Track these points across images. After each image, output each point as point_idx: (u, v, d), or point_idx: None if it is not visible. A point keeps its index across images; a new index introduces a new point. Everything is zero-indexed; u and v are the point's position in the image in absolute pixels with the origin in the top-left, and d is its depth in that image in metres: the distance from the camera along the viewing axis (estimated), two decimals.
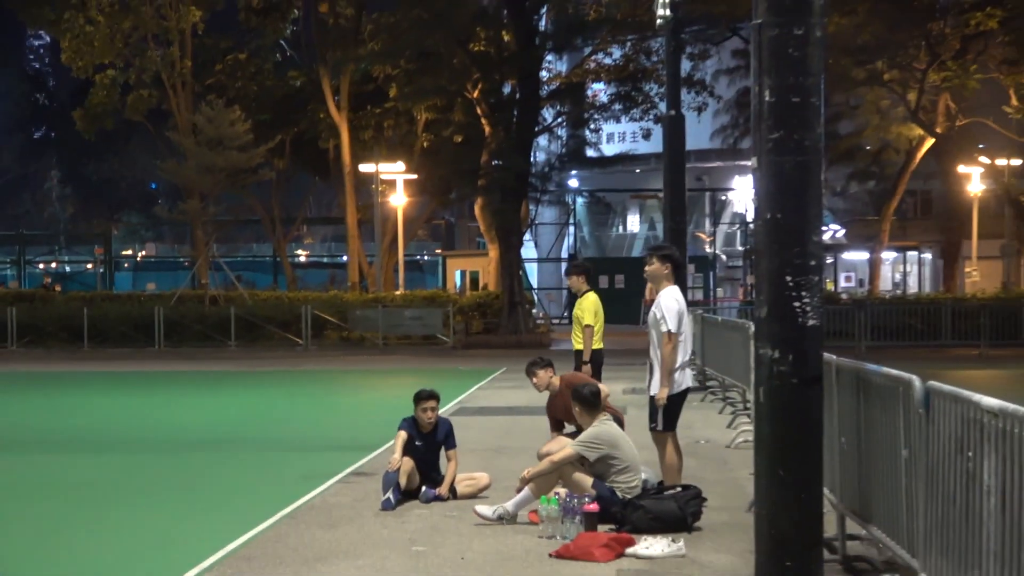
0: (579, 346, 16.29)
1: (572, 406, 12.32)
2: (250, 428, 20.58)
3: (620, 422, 13.14)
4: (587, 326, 16.12)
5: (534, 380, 14.30)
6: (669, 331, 11.83)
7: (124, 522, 11.99)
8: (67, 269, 78.60)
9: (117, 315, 44.03)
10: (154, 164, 58.61)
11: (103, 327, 42.95)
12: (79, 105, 58.55)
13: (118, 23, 52.43)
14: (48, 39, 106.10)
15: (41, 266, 78.52)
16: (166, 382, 30.34)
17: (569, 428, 14.00)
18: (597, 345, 16.32)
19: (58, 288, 57.79)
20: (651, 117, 48.30)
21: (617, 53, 49.40)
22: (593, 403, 11.88)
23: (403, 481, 12.55)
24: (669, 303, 11.96)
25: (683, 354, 12.06)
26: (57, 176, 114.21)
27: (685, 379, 12.20)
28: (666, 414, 11.97)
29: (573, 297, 18.35)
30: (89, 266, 75.93)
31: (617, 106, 48.79)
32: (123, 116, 57.08)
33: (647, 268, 12.49)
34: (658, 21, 25.18)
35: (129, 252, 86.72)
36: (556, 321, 54.08)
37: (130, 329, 43.04)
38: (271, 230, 62.61)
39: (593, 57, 49.92)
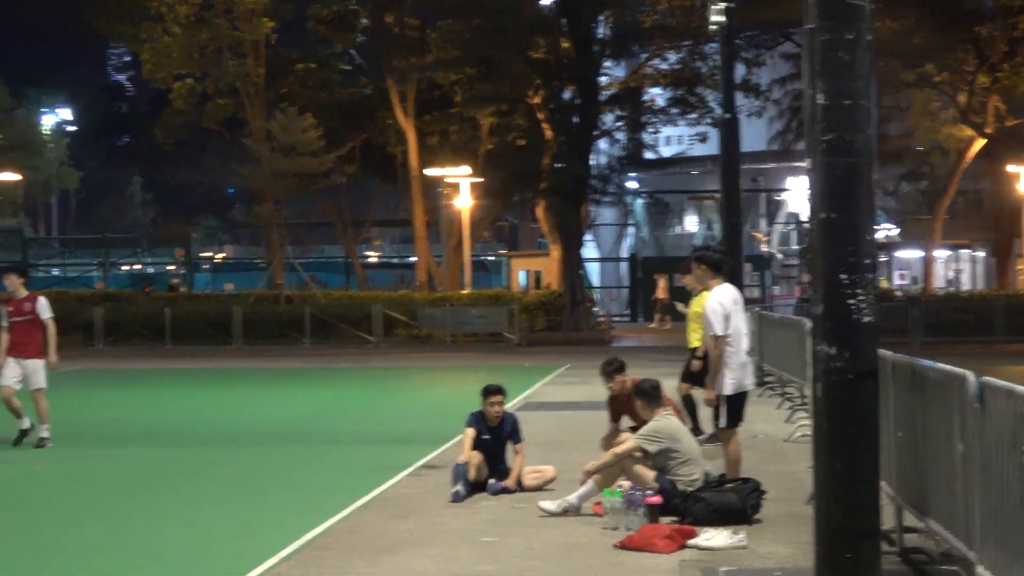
0: (696, 343, 16.07)
1: (633, 401, 12.27)
2: (324, 423, 20.65)
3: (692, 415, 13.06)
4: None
5: (610, 384, 14.21)
6: (715, 335, 11.74)
7: (202, 513, 12.05)
8: (150, 271, 79.10)
9: (197, 314, 44.43)
10: (230, 170, 58.95)
11: (184, 326, 43.27)
12: (158, 115, 59.17)
13: (195, 35, 52.80)
14: (123, 50, 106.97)
15: (125, 268, 79.12)
16: (243, 379, 30.51)
17: (630, 423, 13.94)
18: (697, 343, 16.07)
19: (148, 288, 58.31)
20: (707, 120, 48.04)
21: (673, 58, 49.07)
22: (654, 397, 11.83)
23: (472, 474, 12.54)
24: (712, 305, 11.87)
25: (738, 353, 11.92)
26: (139, 182, 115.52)
27: (745, 378, 12.05)
28: (729, 412, 11.87)
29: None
30: (172, 267, 76.46)
31: (673, 110, 48.64)
32: (200, 124, 57.51)
33: (691, 275, 12.53)
34: (712, 27, 25.09)
35: (208, 254, 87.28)
36: (616, 319, 54.01)
37: (209, 328, 43.38)
38: (342, 232, 62.85)
39: (649, 63, 49.64)
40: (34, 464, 15.72)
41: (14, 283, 17.39)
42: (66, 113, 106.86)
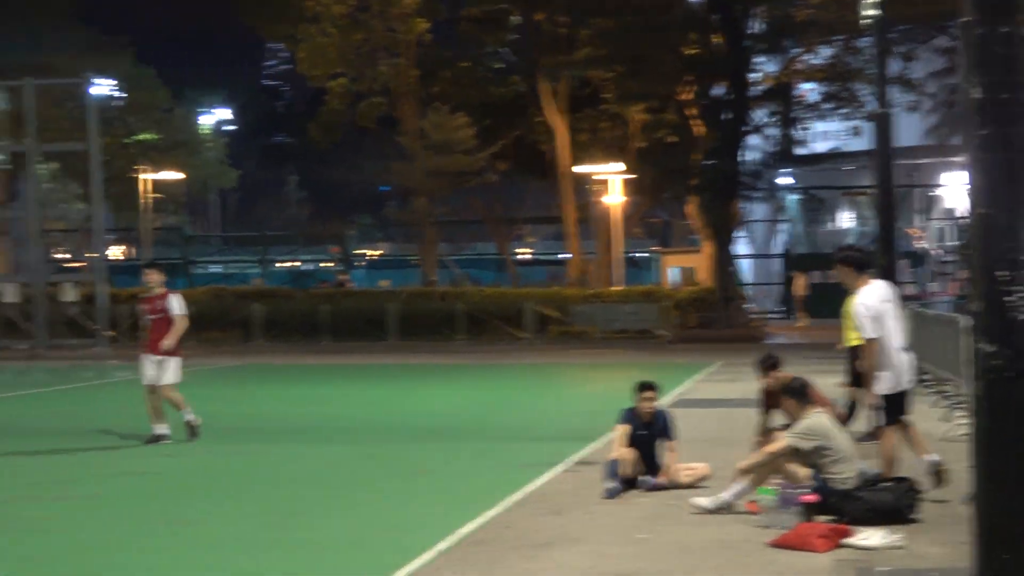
0: (855, 342, 15.90)
1: (783, 400, 12.17)
2: (477, 419, 20.77)
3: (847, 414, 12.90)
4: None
5: (764, 379, 14.14)
6: (868, 339, 11.60)
7: (359, 508, 12.23)
8: (308, 268, 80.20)
9: (353, 311, 44.92)
10: (384, 168, 59.59)
11: (340, 322, 43.80)
12: (314, 114, 59.97)
13: (350, 35, 53.36)
14: (281, 50, 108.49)
15: (288, 264, 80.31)
16: (397, 375, 30.81)
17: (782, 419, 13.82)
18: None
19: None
20: (861, 115, 47.28)
21: (825, 53, 48.40)
22: (804, 396, 11.72)
23: (624, 470, 12.53)
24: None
25: (890, 353, 11.73)
26: (295, 180, 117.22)
27: (901, 377, 11.86)
28: (887, 411, 11.73)
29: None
30: (328, 264, 77.41)
31: (825, 105, 48.08)
32: (354, 123, 58.09)
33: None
34: (865, 22, 24.75)
35: (363, 251, 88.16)
36: (769, 316, 53.48)
37: (364, 324, 43.85)
38: (494, 229, 63.15)
39: (801, 57, 49.00)
40: (194, 458, 16.08)
41: (153, 279, 17.68)
42: (224, 113, 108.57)
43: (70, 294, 41.46)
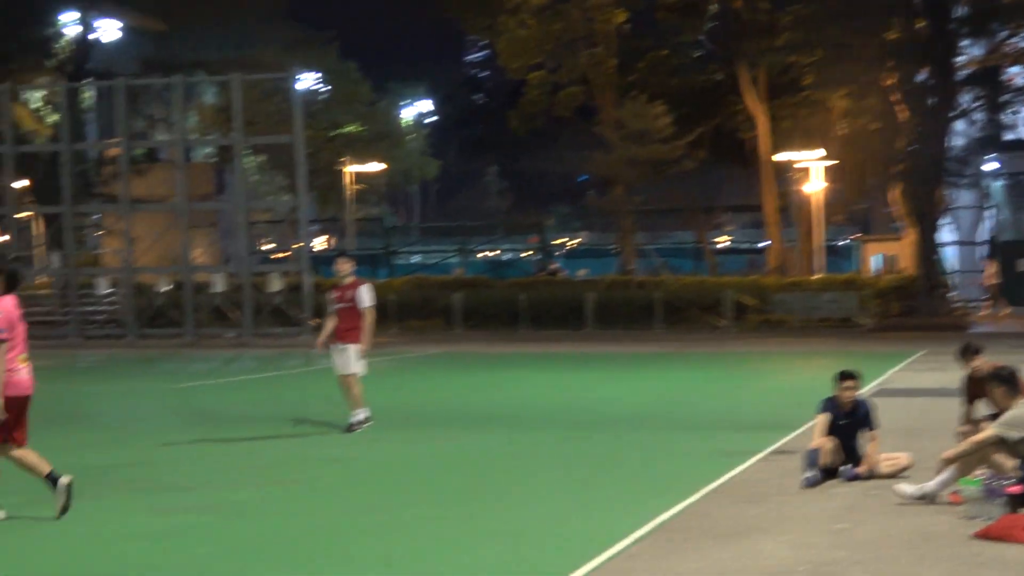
0: None
1: (990, 388, 11.86)
2: (675, 407, 20.66)
3: None
4: None
5: (967, 367, 13.84)
6: None
7: (556, 494, 12.16)
8: (507, 257, 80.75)
9: (551, 300, 45.13)
10: (582, 157, 59.72)
11: (538, 311, 44.07)
12: (513, 105, 60.41)
13: (549, 26, 53.64)
14: (479, 43, 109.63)
15: (487, 254, 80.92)
16: (595, 363, 30.80)
17: (984, 411, 13.47)
18: None
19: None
20: None
21: None
22: (1013, 384, 11.39)
23: (824, 460, 12.31)
24: None
25: None
26: (495, 171, 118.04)
27: None
28: None
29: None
30: (527, 254, 77.88)
31: None
32: (552, 114, 58.31)
33: None
34: None
35: (562, 240, 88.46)
36: (976, 303, 52.16)
37: (563, 312, 44.02)
38: (692, 218, 62.84)
39: (1009, 40, 47.59)
40: (395, 445, 16.25)
41: (344, 269, 17.77)
42: (425, 105, 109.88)
43: (276, 284, 42.37)
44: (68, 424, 18.23)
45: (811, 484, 12.06)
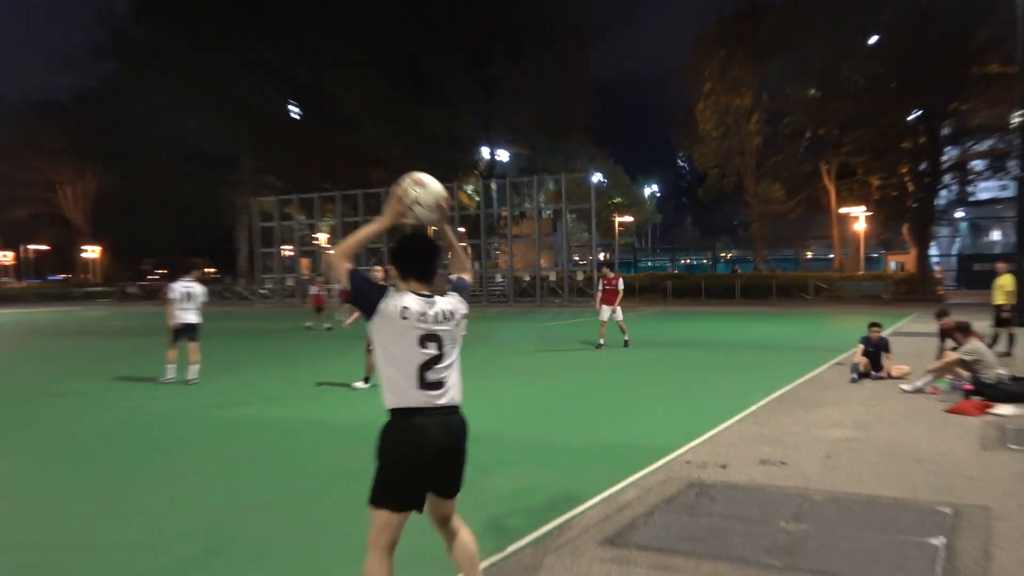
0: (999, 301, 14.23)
1: (954, 333, 11.03)
2: (780, 339, 19.57)
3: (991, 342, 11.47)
4: None
5: (941, 321, 12.92)
6: None
7: (716, 383, 11.88)
8: (695, 262, 79.12)
9: (717, 284, 43.53)
10: (736, 211, 58.56)
11: (710, 289, 42.55)
12: (701, 184, 59.52)
13: (720, 145, 52.77)
14: (686, 155, 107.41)
15: (683, 261, 79.41)
16: (740, 317, 29.47)
17: (950, 345, 12.45)
18: None
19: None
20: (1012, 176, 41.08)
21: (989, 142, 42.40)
22: (967, 331, 10.61)
23: (861, 368, 11.75)
24: None
25: None
26: (689, 219, 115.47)
27: None
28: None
29: None
30: (705, 261, 76.02)
31: (986, 172, 42.24)
32: (722, 189, 57.26)
33: None
34: (1013, 125, 21.46)
35: (724, 253, 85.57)
36: (947, 289, 47.49)
37: (723, 291, 42.31)
38: (794, 242, 59.65)
39: (972, 147, 42.92)
40: (638, 354, 15.92)
41: (606, 270, 17.42)
42: (655, 186, 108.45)
43: (579, 276, 43.36)
44: (479, 342, 18.93)
45: (854, 381, 11.50)
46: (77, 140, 67.64)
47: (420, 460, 3.67)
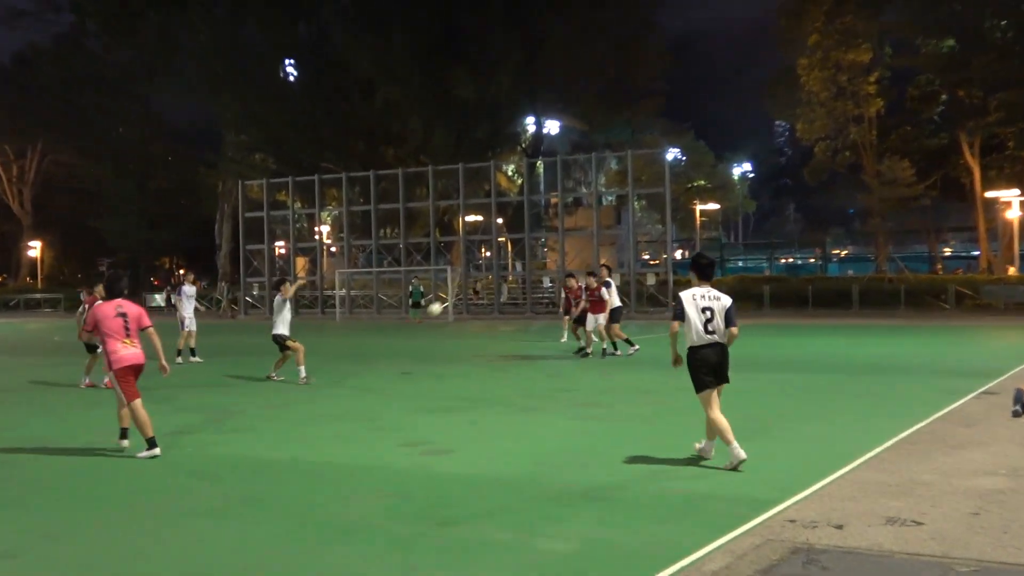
0: None
1: None
2: (912, 359, 19.20)
3: None
4: None
5: None
6: None
7: (826, 415, 11.68)
8: (798, 262, 78.70)
9: (827, 289, 43.74)
10: (851, 197, 58.10)
11: (819, 297, 42.66)
12: (806, 164, 59.16)
13: (830, 112, 52.30)
14: (786, 125, 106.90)
15: (782, 260, 79.10)
16: (858, 331, 29.19)
17: None
18: None
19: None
20: None
21: None
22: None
23: None
24: None
25: None
26: (792, 206, 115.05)
27: None
28: None
29: None
30: (811, 260, 75.67)
31: None
32: (832, 168, 56.82)
33: None
34: None
35: (836, 251, 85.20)
36: None
37: (835, 298, 42.44)
38: (926, 236, 58.93)
39: None
40: (734, 382, 15.86)
41: (589, 280, 19.39)
42: (747, 166, 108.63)
43: (650, 280, 43.29)
44: (519, 362, 18.95)
45: (1018, 415, 11.13)
46: (19, 110, 68.04)
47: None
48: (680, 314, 8.72)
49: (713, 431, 8.78)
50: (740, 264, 77.87)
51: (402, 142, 60.62)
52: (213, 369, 19.01)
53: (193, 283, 21.38)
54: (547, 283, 47.96)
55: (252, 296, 53.57)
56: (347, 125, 60.94)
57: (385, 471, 8.69)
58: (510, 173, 66.62)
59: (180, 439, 10.63)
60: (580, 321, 20.14)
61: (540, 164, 54.37)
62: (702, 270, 8.87)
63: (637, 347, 19.88)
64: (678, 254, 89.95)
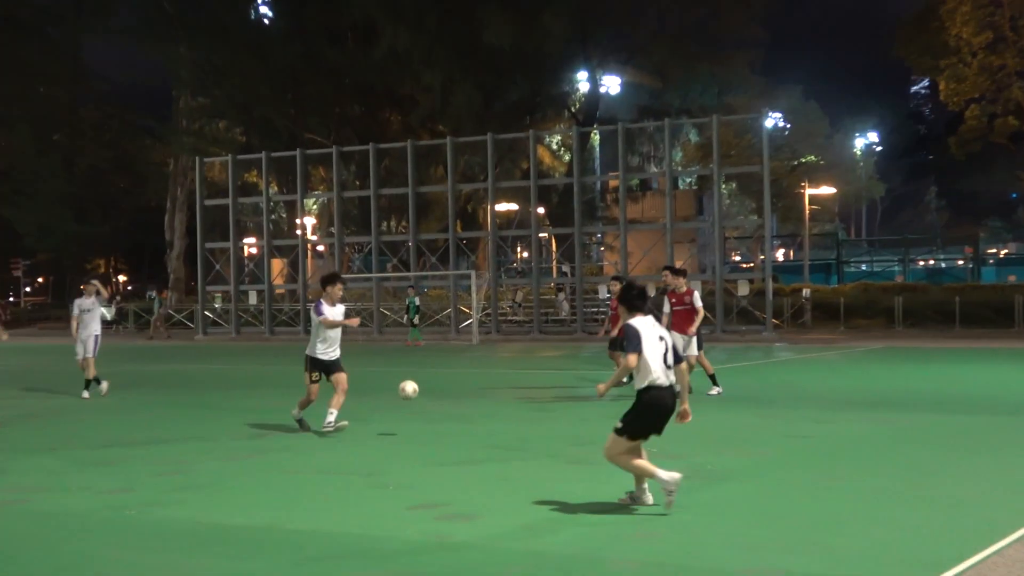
0: None
1: None
2: None
3: None
4: None
5: None
6: None
7: (983, 470, 11.56)
8: (942, 266, 77.84)
9: (982, 302, 43.46)
10: (1015, 177, 57.07)
11: (970, 312, 42.35)
12: (953, 133, 58.56)
13: (989, 64, 51.63)
14: (927, 82, 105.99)
15: (921, 263, 78.40)
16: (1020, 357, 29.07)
17: None
18: None
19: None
20: None
21: None
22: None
23: None
24: None
25: None
26: (934, 191, 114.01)
27: None
28: None
29: None
30: (959, 262, 74.74)
31: None
32: (988, 140, 56.06)
33: None
34: None
35: (993, 250, 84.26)
36: None
37: (992, 313, 42.25)
38: None
39: None
40: (846, 425, 15.77)
41: (676, 281, 18.86)
42: (873, 136, 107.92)
43: (743, 289, 42.74)
44: (566, 401, 18.94)
45: None
46: None
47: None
48: (637, 346, 9.30)
49: (642, 475, 9.59)
50: (864, 268, 77.26)
51: (412, 105, 60.72)
52: (154, 401, 19.10)
53: (98, 292, 21.29)
54: (604, 294, 47.92)
55: (213, 311, 53.86)
56: (339, 82, 61.15)
57: (389, 543, 8.69)
58: (555, 147, 66.82)
59: (123, 498, 10.72)
60: (616, 345, 20.04)
61: (595, 135, 54.56)
62: (632, 302, 9.64)
63: (720, 389, 19.59)
64: (779, 254, 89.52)
